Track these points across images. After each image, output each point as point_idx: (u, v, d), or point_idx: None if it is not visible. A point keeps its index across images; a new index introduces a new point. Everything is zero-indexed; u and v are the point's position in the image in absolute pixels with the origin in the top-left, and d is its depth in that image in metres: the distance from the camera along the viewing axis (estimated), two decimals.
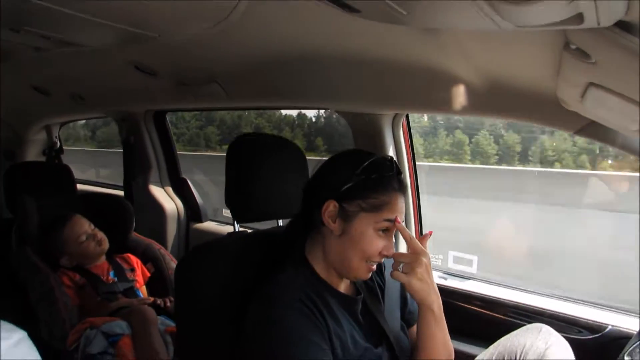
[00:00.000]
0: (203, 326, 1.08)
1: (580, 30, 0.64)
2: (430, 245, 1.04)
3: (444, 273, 1.81)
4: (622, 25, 0.60)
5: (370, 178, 1.00)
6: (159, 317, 1.65)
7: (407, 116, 1.74)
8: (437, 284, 1.05)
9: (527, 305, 1.55)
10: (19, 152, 3.21)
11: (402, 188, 1.04)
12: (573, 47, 0.72)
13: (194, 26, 1.21)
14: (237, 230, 1.32)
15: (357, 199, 1.00)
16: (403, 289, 1.20)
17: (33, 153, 3.23)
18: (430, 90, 1.40)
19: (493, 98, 1.29)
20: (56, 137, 3.16)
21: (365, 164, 1.01)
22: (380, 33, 1.22)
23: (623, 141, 1.18)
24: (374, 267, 1.04)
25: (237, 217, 1.27)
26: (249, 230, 1.36)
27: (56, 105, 2.65)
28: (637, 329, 1.20)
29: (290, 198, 1.15)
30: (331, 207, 1.01)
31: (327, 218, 1.02)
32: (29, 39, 1.33)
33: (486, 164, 3.60)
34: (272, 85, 1.69)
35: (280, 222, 1.36)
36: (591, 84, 0.82)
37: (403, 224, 1.03)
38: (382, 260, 1.05)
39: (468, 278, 1.75)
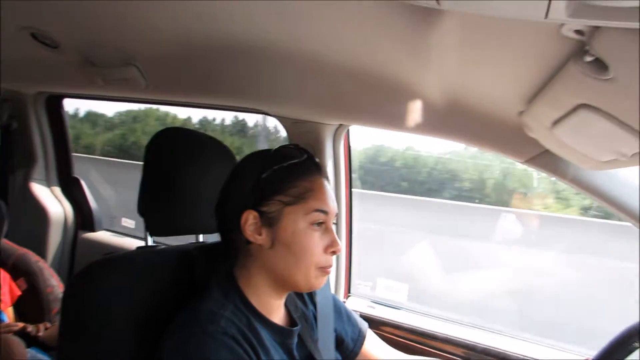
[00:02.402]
0: None
1: (617, 33, 0.55)
2: None
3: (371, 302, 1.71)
4: None
5: (282, 167, 0.86)
6: (28, 349, 1.32)
7: (348, 131, 1.62)
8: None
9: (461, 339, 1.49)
10: None
11: (322, 172, 0.91)
12: (589, 58, 0.63)
13: None
14: (149, 244, 1.09)
15: (275, 195, 0.85)
16: (337, 316, 1.07)
17: None
18: (383, 103, 1.29)
19: (453, 118, 1.21)
20: None
21: (271, 153, 0.89)
22: (341, 35, 1.09)
23: (574, 174, 1.17)
24: (329, 269, 0.88)
25: (152, 229, 1.06)
26: (161, 245, 1.14)
27: None
28: None
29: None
30: (250, 218, 0.85)
31: (249, 233, 0.85)
32: None
33: None
34: (205, 78, 1.45)
35: (201, 238, 1.17)
36: (583, 105, 0.76)
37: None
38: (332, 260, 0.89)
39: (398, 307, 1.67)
